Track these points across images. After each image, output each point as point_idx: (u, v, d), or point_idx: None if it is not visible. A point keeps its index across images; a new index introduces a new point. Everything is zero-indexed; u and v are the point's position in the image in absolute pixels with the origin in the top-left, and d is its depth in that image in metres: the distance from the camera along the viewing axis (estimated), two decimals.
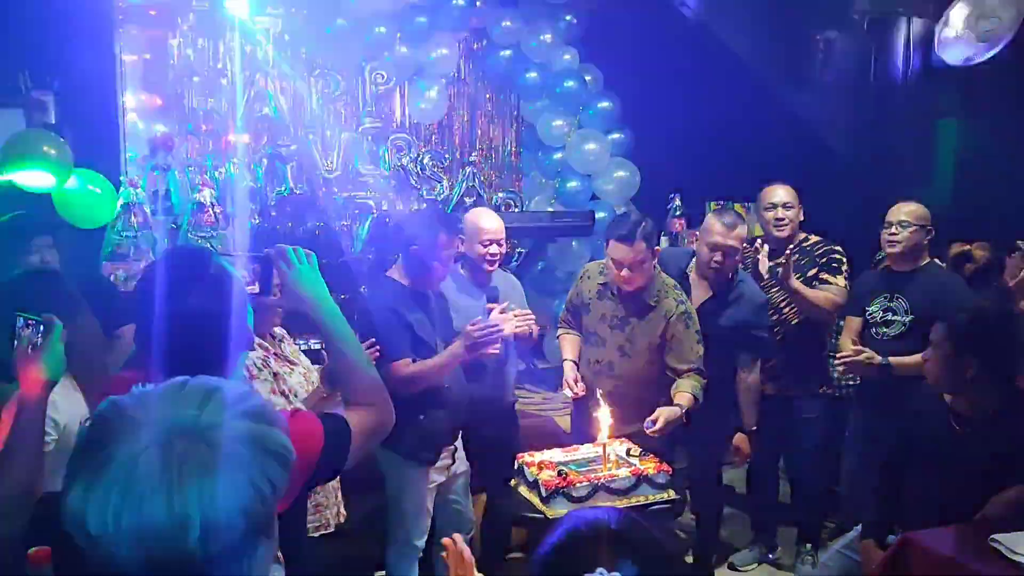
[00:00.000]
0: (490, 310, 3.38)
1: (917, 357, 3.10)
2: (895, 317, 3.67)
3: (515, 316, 3.37)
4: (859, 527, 2.99)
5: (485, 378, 3.55)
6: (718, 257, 3.54)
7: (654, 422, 3.12)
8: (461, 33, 5.46)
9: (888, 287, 3.72)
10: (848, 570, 2.99)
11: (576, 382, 3.41)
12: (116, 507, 0.89)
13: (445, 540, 1.94)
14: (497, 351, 3.25)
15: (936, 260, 3.84)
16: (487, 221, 3.59)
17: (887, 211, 3.72)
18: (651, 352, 3.42)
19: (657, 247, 3.43)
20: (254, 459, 0.95)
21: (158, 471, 0.90)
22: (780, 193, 3.95)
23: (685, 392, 3.28)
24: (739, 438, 3.73)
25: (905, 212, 3.65)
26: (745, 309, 3.61)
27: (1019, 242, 3.77)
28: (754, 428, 3.71)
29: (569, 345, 3.62)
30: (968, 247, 4.16)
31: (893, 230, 3.66)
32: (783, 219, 3.92)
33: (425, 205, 5.32)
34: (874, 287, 3.79)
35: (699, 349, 3.38)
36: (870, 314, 3.76)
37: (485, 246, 3.54)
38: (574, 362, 3.54)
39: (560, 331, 3.75)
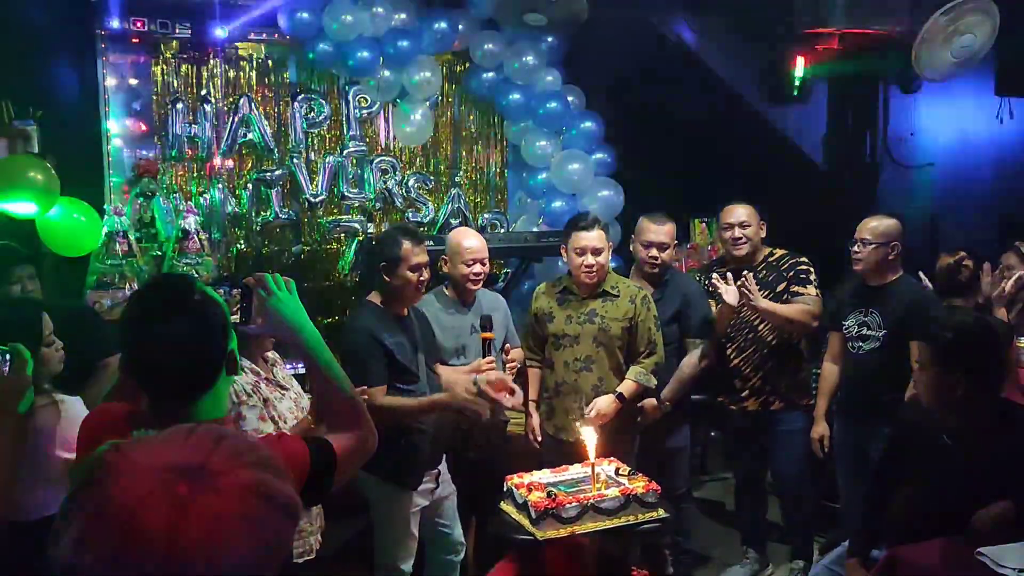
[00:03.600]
0: (484, 339, 3.47)
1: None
2: (870, 332, 3.71)
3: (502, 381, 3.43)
4: (846, 543, 2.99)
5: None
6: (654, 252, 3.86)
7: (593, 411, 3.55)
8: (444, 56, 5.50)
9: (861, 301, 3.77)
10: None
11: (538, 433, 3.77)
12: (114, 554, 0.83)
13: None
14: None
15: (910, 275, 3.86)
16: (469, 240, 3.63)
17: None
18: (624, 336, 3.67)
19: (610, 243, 3.74)
20: (261, 511, 0.90)
21: (163, 517, 0.83)
22: (736, 212, 3.98)
23: (628, 379, 3.64)
24: (648, 402, 3.81)
25: (867, 229, 3.70)
26: (681, 297, 3.88)
27: (1018, 244, 3.79)
28: (667, 403, 3.84)
29: (533, 381, 3.83)
30: (962, 252, 4.19)
31: (856, 248, 3.72)
32: (740, 238, 3.94)
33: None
34: (848, 301, 3.84)
35: (656, 335, 3.69)
36: (846, 328, 3.80)
37: (469, 265, 3.57)
38: (536, 403, 3.81)
39: (528, 362, 3.86)
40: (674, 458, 3.98)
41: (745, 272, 3.78)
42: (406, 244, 3.17)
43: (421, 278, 3.23)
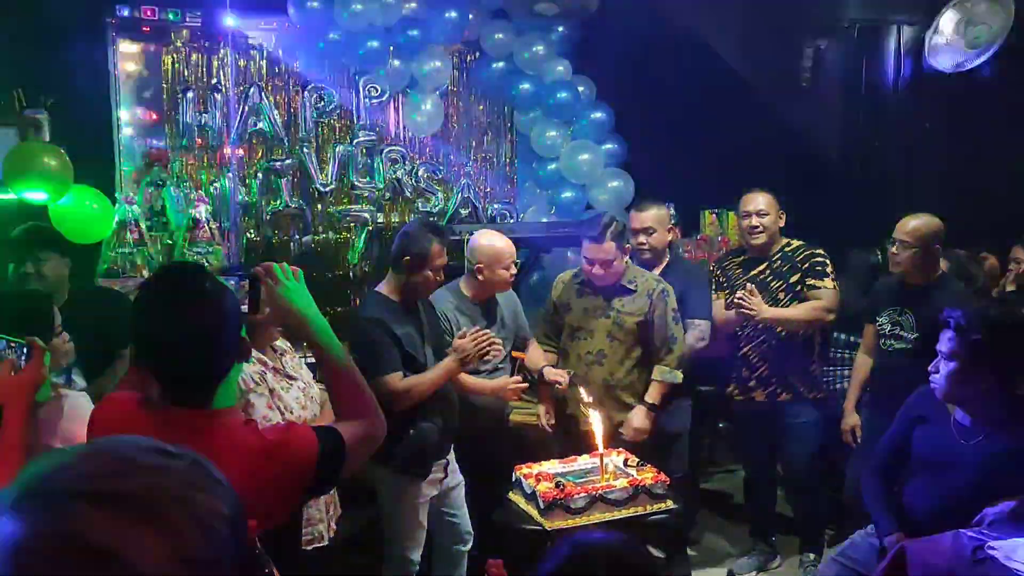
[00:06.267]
0: (516, 357, 3.59)
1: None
2: (902, 332, 3.65)
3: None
4: (855, 534, 2.99)
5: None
6: (641, 239, 3.87)
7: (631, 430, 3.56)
8: (454, 46, 5.49)
9: (898, 300, 3.69)
10: None
11: (549, 417, 3.77)
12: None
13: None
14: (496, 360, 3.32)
15: (951, 273, 3.79)
16: (503, 243, 3.58)
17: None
18: (639, 332, 3.64)
19: (627, 244, 3.70)
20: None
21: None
22: (754, 200, 3.93)
23: (654, 381, 3.61)
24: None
25: (906, 231, 3.60)
26: (683, 281, 3.87)
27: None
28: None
29: (543, 356, 3.78)
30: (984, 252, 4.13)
31: (894, 249, 3.64)
32: (757, 227, 3.90)
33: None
34: (885, 297, 3.77)
35: (675, 328, 3.66)
36: (880, 325, 3.74)
37: (508, 269, 3.57)
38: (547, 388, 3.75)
39: (542, 348, 3.85)
40: (673, 442, 3.97)
41: (741, 292, 3.76)
42: (436, 244, 3.17)
43: (439, 277, 3.26)
